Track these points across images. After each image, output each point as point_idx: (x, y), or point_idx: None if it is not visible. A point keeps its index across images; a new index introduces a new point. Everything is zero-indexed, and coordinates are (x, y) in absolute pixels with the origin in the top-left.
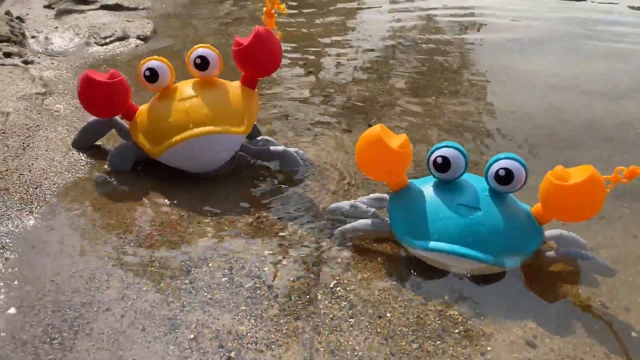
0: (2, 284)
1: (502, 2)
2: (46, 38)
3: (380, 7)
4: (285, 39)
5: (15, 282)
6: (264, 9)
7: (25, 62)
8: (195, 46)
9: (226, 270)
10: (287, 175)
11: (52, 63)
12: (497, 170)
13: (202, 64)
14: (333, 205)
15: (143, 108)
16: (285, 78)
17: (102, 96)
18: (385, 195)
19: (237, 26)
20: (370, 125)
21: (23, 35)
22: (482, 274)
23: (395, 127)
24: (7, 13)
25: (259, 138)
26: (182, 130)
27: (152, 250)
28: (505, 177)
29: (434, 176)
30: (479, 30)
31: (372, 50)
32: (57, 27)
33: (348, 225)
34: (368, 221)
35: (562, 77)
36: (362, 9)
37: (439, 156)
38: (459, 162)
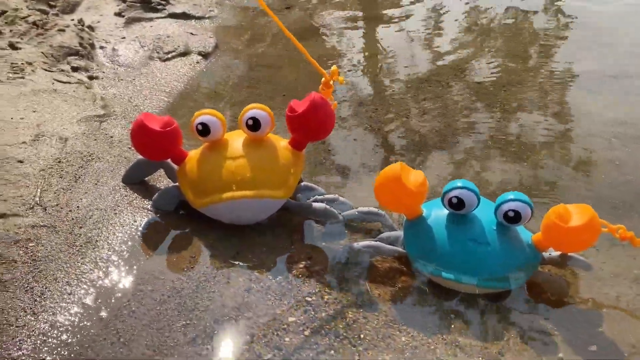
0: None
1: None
2: (113, 49)
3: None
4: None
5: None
6: (322, 79)
7: (90, 78)
8: (249, 106)
9: (248, 337)
10: (326, 227)
11: (114, 80)
12: (507, 211)
13: (254, 125)
14: (356, 247)
15: (192, 155)
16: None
17: (154, 143)
18: (378, 211)
19: (305, 39)
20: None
21: (92, 46)
22: (489, 292)
23: (444, 164)
24: (80, 21)
25: (301, 184)
26: (225, 190)
27: (180, 306)
28: (514, 218)
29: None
30: (543, 55)
31: (423, 79)
32: (124, 37)
33: (364, 243)
34: (385, 246)
35: (631, 125)
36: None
37: (455, 197)
38: (473, 202)
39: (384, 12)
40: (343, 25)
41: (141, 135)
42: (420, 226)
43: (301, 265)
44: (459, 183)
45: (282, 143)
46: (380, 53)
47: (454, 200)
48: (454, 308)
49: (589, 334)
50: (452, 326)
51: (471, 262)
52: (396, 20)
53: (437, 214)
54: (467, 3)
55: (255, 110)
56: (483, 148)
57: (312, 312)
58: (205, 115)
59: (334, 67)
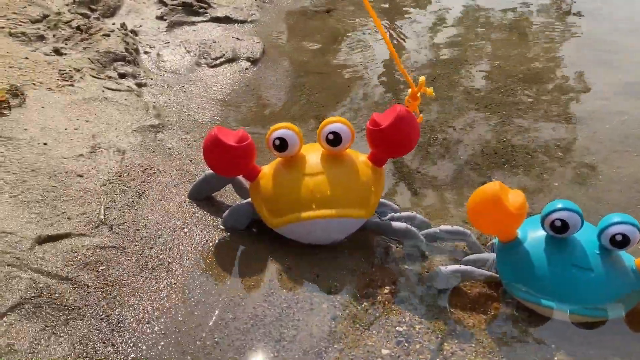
0: None
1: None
2: (158, 55)
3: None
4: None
5: None
6: (409, 90)
7: (139, 85)
8: (329, 119)
9: None
10: (406, 248)
11: (163, 88)
12: (614, 235)
13: (335, 140)
14: (444, 272)
15: (266, 172)
16: None
17: (229, 158)
18: (464, 230)
19: (345, 44)
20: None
21: (137, 51)
22: (584, 321)
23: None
24: (122, 26)
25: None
26: (304, 208)
27: (266, 337)
28: (622, 242)
29: (547, 233)
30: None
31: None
32: (168, 42)
33: (453, 268)
34: (476, 270)
35: None
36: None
37: (558, 219)
38: (577, 225)
39: (410, 15)
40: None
41: (215, 150)
42: (517, 250)
43: (386, 291)
44: (560, 204)
45: (361, 158)
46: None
47: (558, 223)
48: (552, 337)
49: None
50: (555, 358)
51: (573, 289)
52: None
53: (534, 236)
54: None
55: (336, 124)
56: (547, 164)
57: (406, 344)
58: (282, 129)
59: (422, 78)
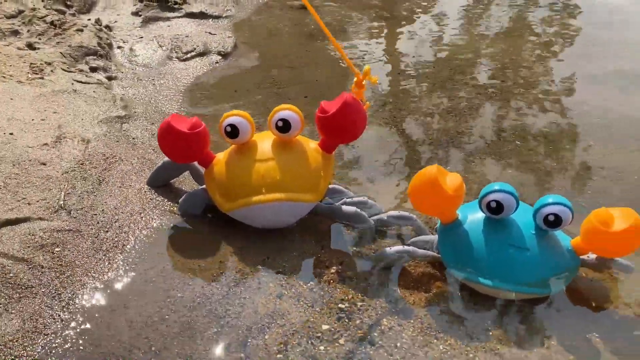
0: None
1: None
2: (131, 49)
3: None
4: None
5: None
6: (355, 79)
7: (109, 78)
8: (278, 107)
9: (282, 346)
10: (356, 232)
11: (133, 80)
12: (547, 215)
13: (284, 127)
14: (388, 252)
15: (220, 158)
16: None
17: (182, 145)
18: (410, 215)
19: (314, 39)
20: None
21: (110, 45)
22: (527, 298)
23: (464, 165)
24: (97, 21)
25: (330, 187)
26: (255, 193)
27: (211, 313)
28: (554, 222)
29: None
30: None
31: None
32: (142, 37)
33: (397, 248)
34: (419, 250)
35: None
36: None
37: (493, 200)
38: (512, 206)
39: (403, 13)
40: (360, 26)
41: (169, 137)
42: (456, 231)
43: (332, 271)
44: (496, 186)
45: (311, 145)
46: (395, 53)
47: (493, 204)
48: (491, 314)
49: (630, 339)
50: (491, 333)
51: (510, 268)
52: (412, 20)
53: (473, 217)
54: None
55: (285, 111)
56: (501, 146)
57: (346, 320)
58: (234, 117)
59: (367, 67)
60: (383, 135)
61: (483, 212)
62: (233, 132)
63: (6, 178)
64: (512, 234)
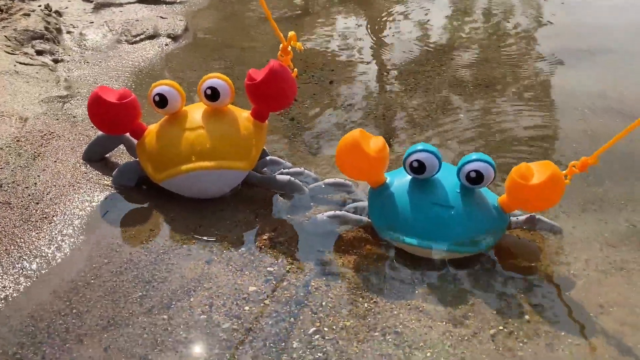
0: None
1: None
2: (80, 34)
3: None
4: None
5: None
6: (280, 45)
7: (55, 61)
8: (206, 76)
9: (206, 307)
10: (292, 201)
11: (80, 63)
12: (469, 172)
13: (213, 95)
14: (320, 218)
15: (151, 129)
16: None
17: (111, 116)
18: (345, 181)
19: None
20: (389, 143)
21: (59, 30)
22: (459, 257)
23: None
24: (47, 7)
25: (267, 158)
26: (185, 161)
27: (137, 278)
28: (476, 179)
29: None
30: (518, 35)
31: (394, 62)
32: (92, 22)
33: (329, 213)
34: (350, 215)
35: (607, 98)
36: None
37: (415, 160)
38: (434, 165)
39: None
40: (330, 12)
41: (97, 107)
42: (384, 193)
43: (265, 237)
44: (419, 146)
45: (243, 114)
46: (374, 42)
47: (415, 164)
48: (418, 274)
49: (557, 297)
50: (416, 292)
51: (436, 227)
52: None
53: (400, 180)
54: None
55: (213, 79)
56: (462, 129)
57: (274, 282)
58: (162, 86)
59: (291, 33)
60: (339, 114)
61: (407, 173)
62: (162, 101)
63: None
64: (436, 193)
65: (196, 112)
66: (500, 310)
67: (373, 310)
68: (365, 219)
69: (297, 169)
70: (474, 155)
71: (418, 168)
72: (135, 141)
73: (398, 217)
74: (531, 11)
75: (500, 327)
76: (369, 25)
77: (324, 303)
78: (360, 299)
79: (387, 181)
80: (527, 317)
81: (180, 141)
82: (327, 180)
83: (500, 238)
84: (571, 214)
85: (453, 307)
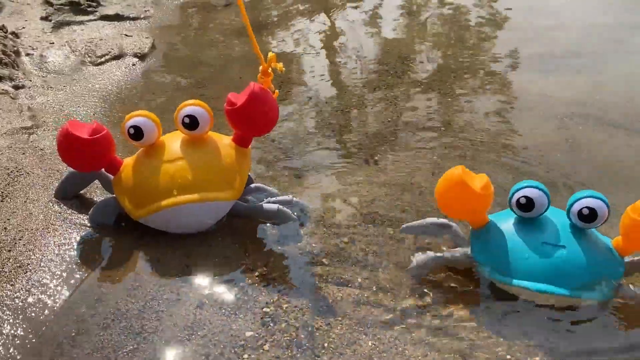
0: None
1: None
2: (41, 56)
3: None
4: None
5: None
6: (260, 67)
7: (16, 87)
8: (184, 103)
9: (203, 358)
10: (281, 230)
11: (43, 88)
12: (581, 209)
13: (191, 123)
14: (418, 261)
15: (128, 163)
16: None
17: (83, 152)
18: (450, 222)
19: (239, 37)
20: (375, 162)
21: (17, 53)
22: (566, 304)
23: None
24: (2, 28)
25: (252, 186)
26: (166, 196)
27: (126, 330)
28: (590, 216)
29: (516, 214)
30: (493, 40)
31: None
32: (53, 43)
33: (431, 255)
34: (449, 254)
35: (584, 104)
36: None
37: (523, 196)
38: (543, 202)
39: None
40: (288, 17)
41: (68, 145)
42: (488, 233)
43: (256, 274)
44: (526, 183)
45: (225, 141)
46: (328, 44)
47: (522, 200)
48: (420, 306)
49: None
50: (422, 325)
51: (548, 267)
52: (343, 10)
53: (505, 219)
54: None
55: (191, 107)
56: (439, 144)
57: (271, 324)
58: (137, 117)
59: (271, 54)
60: (313, 128)
61: (514, 211)
62: (137, 133)
63: None
64: (547, 232)
65: (174, 142)
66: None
67: (378, 348)
68: (461, 253)
69: (286, 197)
70: (585, 192)
71: (526, 205)
72: (111, 176)
73: (507, 258)
74: (492, 16)
75: None
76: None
77: (326, 344)
78: (363, 336)
79: (490, 220)
80: None
81: (160, 174)
82: (428, 220)
83: (615, 286)
84: None
85: (459, 340)
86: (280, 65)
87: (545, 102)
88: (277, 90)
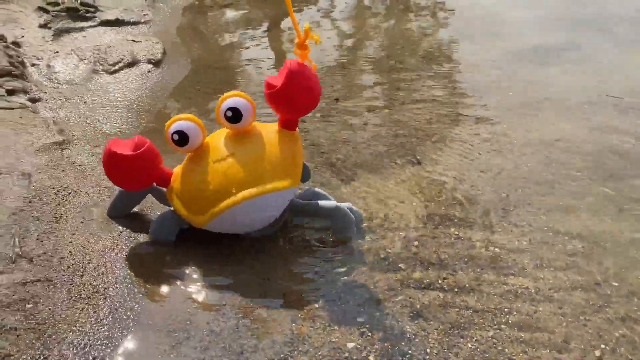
0: None
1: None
2: (48, 66)
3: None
4: None
5: None
6: (296, 40)
7: (33, 100)
8: (224, 95)
9: None
10: (336, 244)
11: (61, 101)
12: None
13: (234, 116)
14: None
15: (178, 171)
16: None
17: (130, 170)
18: None
19: (245, 36)
20: (419, 161)
21: (22, 64)
22: None
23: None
24: (1, 38)
25: (306, 188)
26: (224, 196)
27: (226, 351)
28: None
29: None
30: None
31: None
32: (57, 52)
33: None
34: None
35: (596, 90)
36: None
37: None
38: None
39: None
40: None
41: (114, 164)
42: None
43: (340, 283)
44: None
45: (271, 128)
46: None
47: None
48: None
49: None
50: (511, 320)
51: None
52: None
53: None
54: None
55: (232, 98)
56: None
57: (369, 333)
58: (180, 122)
59: (306, 25)
60: (349, 128)
61: None
62: (182, 139)
63: None
64: None
65: (219, 140)
66: None
67: (478, 349)
68: None
69: (344, 203)
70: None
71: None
72: (163, 189)
73: None
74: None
75: None
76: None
77: (428, 350)
78: (461, 339)
79: None
80: None
81: (213, 176)
82: None
83: None
84: None
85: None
86: (317, 36)
87: (559, 93)
88: (314, 63)
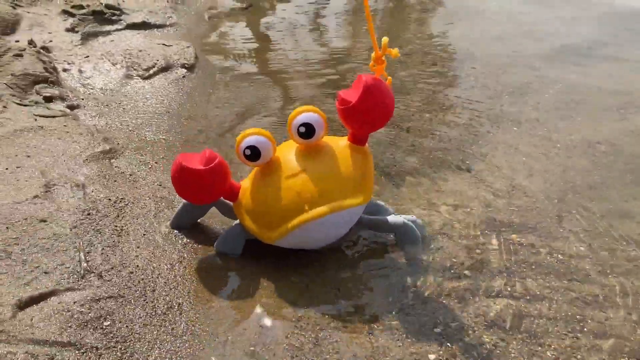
0: None
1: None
2: (80, 71)
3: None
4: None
5: None
6: (372, 54)
7: (71, 107)
8: (297, 110)
9: None
10: (409, 247)
11: (99, 107)
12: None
13: (307, 132)
14: None
15: (246, 186)
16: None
17: (201, 185)
18: None
19: (275, 39)
20: (468, 168)
21: (55, 70)
22: None
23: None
24: (31, 42)
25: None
26: (296, 213)
27: None
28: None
29: None
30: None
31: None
32: (87, 56)
33: None
34: None
35: (633, 91)
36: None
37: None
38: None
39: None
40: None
41: (186, 179)
42: None
43: (411, 294)
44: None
45: (341, 143)
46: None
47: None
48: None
49: None
50: (587, 328)
51: None
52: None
53: None
54: None
55: (305, 114)
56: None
57: (448, 343)
58: (251, 137)
59: (384, 39)
60: (392, 136)
61: None
62: (254, 154)
63: (5, 245)
64: None
65: (290, 155)
66: None
67: (559, 358)
68: None
69: (408, 217)
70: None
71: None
72: (230, 203)
73: None
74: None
75: None
76: None
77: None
78: (539, 347)
79: None
80: None
81: (286, 192)
82: None
83: None
84: None
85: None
86: (395, 50)
87: (595, 94)
88: (389, 77)
